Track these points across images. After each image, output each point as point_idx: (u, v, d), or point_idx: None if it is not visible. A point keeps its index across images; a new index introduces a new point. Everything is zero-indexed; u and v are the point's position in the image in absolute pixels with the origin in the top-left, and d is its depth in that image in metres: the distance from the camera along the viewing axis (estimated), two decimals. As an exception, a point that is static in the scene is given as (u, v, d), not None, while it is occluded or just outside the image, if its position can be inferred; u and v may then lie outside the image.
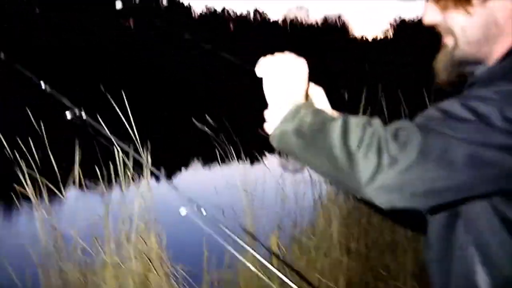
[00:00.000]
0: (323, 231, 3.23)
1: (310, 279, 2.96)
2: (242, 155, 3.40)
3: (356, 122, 0.88)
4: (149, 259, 3.09)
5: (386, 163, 0.79)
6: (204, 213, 1.42)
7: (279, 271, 1.41)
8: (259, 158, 3.94)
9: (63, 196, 3.14)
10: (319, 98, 1.21)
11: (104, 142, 1.60)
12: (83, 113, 1.48)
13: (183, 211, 1.45)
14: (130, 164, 3.13)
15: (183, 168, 10.31)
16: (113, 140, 1.54)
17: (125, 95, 3.21)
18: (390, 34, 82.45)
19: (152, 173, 3.17)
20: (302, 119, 0.93)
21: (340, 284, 3.05)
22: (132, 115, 3.07)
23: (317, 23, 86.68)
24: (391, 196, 0.81)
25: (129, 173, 3.16)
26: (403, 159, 0.79)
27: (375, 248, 3.38)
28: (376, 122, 0.88)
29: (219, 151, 3.36)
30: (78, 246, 3.13)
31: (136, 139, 3.09)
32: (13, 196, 3.18)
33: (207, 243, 3.01)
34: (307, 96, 1.11)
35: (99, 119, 1.48)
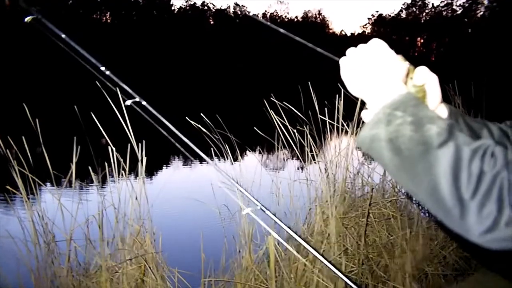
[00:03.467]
0: (320, 231, 3.21)
1: (308, 281, 3.09)
2: (237, 153, 3.47)
3: (471, 152, 0.72)
4: (145, 262, 3.05)
5: (508, 218, 0.67)
6: (268, 213, 1.42)
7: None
8: (254, 156, 4.09)
9: (57, 196, 2.89)
10: (430, 87, 0.98)
11: (161, 130, 1.59)
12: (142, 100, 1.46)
13: (246, 210, 1.51)
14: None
15: (164, 166, 9.28)
16: (170, 127, 1.46)
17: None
18: (368, 28, 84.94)
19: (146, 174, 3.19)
20: (399, 129, 0.79)
21: (338, 285, 3.00)
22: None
23: (297, 18, 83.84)
24: (506, 244, 0.70)
25: (124, 173, 3.08)
26: None
27: (373, 249, 3.37)
28: (499, 152, 0.72)
29: (213, 148, 3.40)
30: (72, 249, 2.91)
31: (132, 137, 3.05)
32: (5, 196, 2.80)
33: (204, 245, 3.13)
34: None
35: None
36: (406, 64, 0.94)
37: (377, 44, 0.92)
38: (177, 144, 1.53)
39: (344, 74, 0.95)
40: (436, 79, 0.99)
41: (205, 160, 1.56)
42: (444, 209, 0.72)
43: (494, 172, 0.69)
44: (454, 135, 0.75)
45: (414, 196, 0.80)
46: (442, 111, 1.10)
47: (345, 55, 0.96)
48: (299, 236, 1.46)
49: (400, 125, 0.79)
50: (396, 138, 0.79)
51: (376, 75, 0.89)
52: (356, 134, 3.49)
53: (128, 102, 1.45)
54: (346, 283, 2.96)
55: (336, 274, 1.27)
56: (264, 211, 1.43)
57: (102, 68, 1.39)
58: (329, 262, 1.33)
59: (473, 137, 0.78)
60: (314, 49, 1.21)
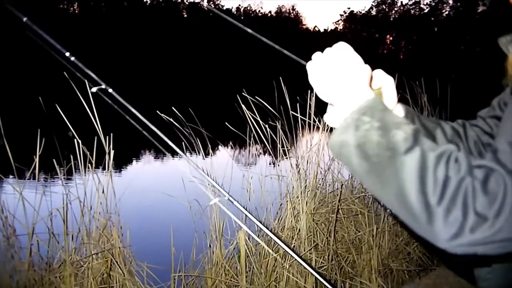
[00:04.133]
0: (291, 227, 3.21)
1: (278, 276, 3.09)
2: (209, 148, 3.42)
3: (436, 157, 0.72)
4: (112, 256, 2.99)
5: (472, 223, 0.67)
6: (236, 203, 1.42)
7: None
8: (226, 151, 4.04)
9: (19, 189, 2.78)
10: (387, 90, 1.02)
11: (129, 120, 1.56)
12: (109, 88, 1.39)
13: (213, 200, 1.50)
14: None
15: (134, 160, 8.97)
16: (138, 116, 1.40)
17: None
18: (341, 25, 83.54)
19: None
20: (366, 134, 0.80)
21: (308, 281, 3.02)
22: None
23: (270, 13, 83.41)
24: (474, 250, 0.71)
25: (90, 166, 3.01)
26: (493, 219, 0.67)
27: (341, 244, 3.40)
28: (462, 158, 0.72)
29: (185, 143, 3.34)
30: (34, 242, 2.82)
31: (99, 129, 2.98)
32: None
33: (174, 239, 3.08)
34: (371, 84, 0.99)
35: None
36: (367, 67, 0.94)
37: (343, 48, 0.92)
38: (144, 133, 1.48)
39: (312, 79, 0.95)
40: (392, 81, 1.02)
41: (176, 154, 1.53)
42: (411, 214, 0.73)
43: (459, 178, 0.70)
44: (419, 140, 0.76)
45: (382, 201, 0.81)
46: (399, 111, 1.13)
47: (313, 58, 0.96)
48: (269, 230, 1.45)
49: (367, 131, 0.80)
50: (364, 144, 0.80)
51: (343, 79, 0.90)
52: (327, 130, 3.51)
53: (94, 89, 1.38)
54: (316, 278, 3.01)
55: (305, 267, 1.27)
56: (232, 202, 1.42)
57: (67, 54, 1.32)
58: (298, 255, 1.32)
59: (428, 137, 0.80)
60: (283, 52, 1.20)
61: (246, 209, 1.49)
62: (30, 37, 1.34)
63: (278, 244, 3.11)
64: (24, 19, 1.29)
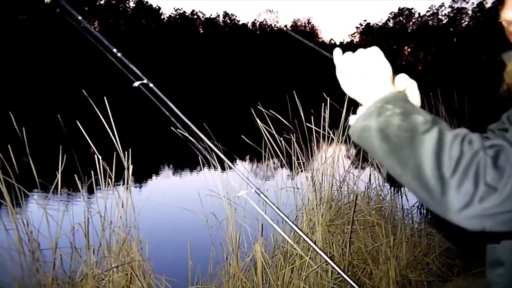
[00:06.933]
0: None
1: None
2: (226, 162, 3.48)
3: (452, 136, 0.80)
4: (132, 270, 3.05)
5: (482, 193, 0.74)
6: (262, 196, 1.46)
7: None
8: (242, 164, 4.09)
9: (43, 204, 2.88)
10: (411, 92, 1.04)
11: (167, 114, 1.50)
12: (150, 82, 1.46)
13: (241, 192, 1.58)
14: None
15: (153, 175, 9.23)
16: (176, 111, 1.47)
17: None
18: (357, 37, 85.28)
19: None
20: (389, 119, 0.86)
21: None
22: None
23: (286, 27, 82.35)
24: (483, 223, 0.76)
25: (110, 181, 3.09)
26: (501, 189, 0.73)
27: (358, 256, 3.42)
28: (476, 139, 0.80)
29: (200, 157, 3.41)
30: (57, 257, 2.91)
31: (118, 145, 3.07)
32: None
33: (192, 252, 3.12)
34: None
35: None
36: None
37: (374, 50, 1.01)
38: (179, 126, 1.54)
39: (339, 73, 1.04)
40: (415, 84, 1.07)
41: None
42: (427, 188, 0.79)
43: (472, 153, 0.77)
44: (438, 123, 0.83)
45: (400, 179, 0.86)
46: None
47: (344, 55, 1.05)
48: (294, 224, 1.49)
49: (389, 116, 0.87)
50: (386, 127, 0.86)
51: (369, 75, 0.97)
52: (341, 142, 3.54)
53: (136, 84, 1.47)
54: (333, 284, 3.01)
55: (328, 262, 1.31)
56: (259, 194, 1.49)
57: (114, 50, 1.43)
58: (322, 250, 1.36)
59: None
60: (311, 47, 1.30)
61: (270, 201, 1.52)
62: (82, 34, 1.44)
63: (295, 255, 3.17)
64: (80, 17, 1.39)
